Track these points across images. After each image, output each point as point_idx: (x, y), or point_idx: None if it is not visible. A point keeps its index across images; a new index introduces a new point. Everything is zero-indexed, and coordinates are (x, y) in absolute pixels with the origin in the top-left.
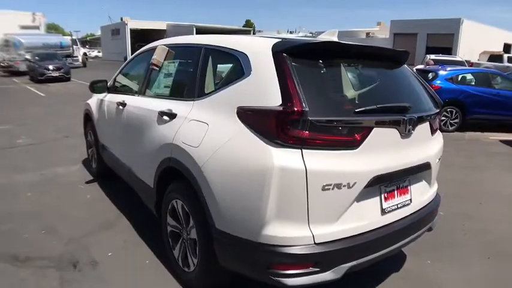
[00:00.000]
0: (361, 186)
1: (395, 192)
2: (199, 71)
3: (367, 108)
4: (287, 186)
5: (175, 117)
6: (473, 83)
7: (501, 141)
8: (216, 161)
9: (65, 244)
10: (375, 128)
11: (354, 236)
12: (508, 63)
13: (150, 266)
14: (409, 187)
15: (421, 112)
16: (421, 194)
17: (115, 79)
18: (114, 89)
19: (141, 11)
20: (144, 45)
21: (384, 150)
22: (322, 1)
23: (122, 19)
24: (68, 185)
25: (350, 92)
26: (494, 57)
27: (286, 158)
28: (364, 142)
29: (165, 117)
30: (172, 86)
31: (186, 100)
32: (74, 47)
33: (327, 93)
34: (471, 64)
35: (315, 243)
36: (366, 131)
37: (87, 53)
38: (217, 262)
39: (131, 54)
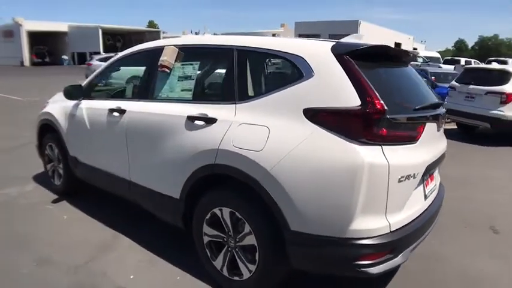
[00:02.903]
0: (420, 176)
1: (429, 179)
2: (236, 74)
3: (423, 105)
4: (373, 181)
5: (215, 122)
6: None
7: None
8: (289, 163)
9: (73, 273)
10: (427, 123)
11: (412, 220)
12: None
13: (184, 282)
14: (434, 174)
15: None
16: (437, 179)
17: (92, 83)
18: (95, 95)
19: (37, 11)
20: (43, 49)
21: (429, 142)
22: (225, 3)
23: (14, 20)
24: (32, 207)
25: (401, 91)
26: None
27: (372, 155)
28: (422, 136)
29: (198, 122)
30: (197, 89)
31: (224, 103)
32: None
33: (388, 92)
34: None
35: (390, 231)
36: (423, 126)
37: None
38: (280, 265)
39: (28, 59)
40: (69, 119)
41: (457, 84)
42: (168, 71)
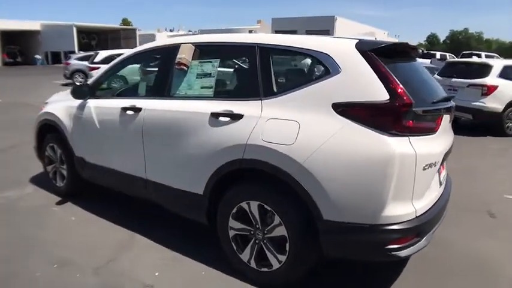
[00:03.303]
0: (439, 164)
1: (441, 167)
2: (260, 70)
3: (439, 98)
4: (403, 170)
5: (241, 118)
6: None
7: None
8: (322, 156)
9: (96, 274)
10: (444, 115)
11: (432, 206)
12: None
13: (209, 276)
14: (444, 162)
15: None
16: (446, 168)
17: (99, 82)
18: (102, 93)
19: (6, 10)
20: (14, 48)
21: (443, 133)
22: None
23: None
24: (36, 210)
25: (418, 85)
26: None
27: (402, 146)
28: (440, 126)
29: (223, 119)
30: (218, 86)
31: (249, 100)
32: None
33: (409, 86)
34: None
35: (416, 216)
36: (441, 117)
37: None
38: (311, 254)
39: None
40: (75, 119)
41: (439, 77)
42: (186, 69)
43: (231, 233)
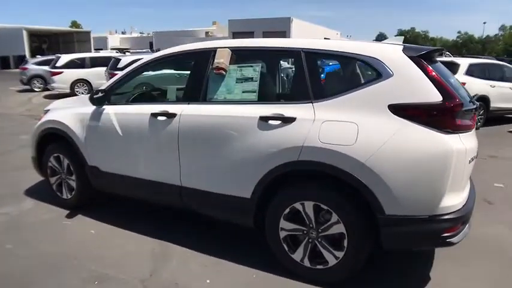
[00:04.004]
0: (474, 158)
1: None
2: (308, 75)
3: (473, 98)
4: (457, 164)
5: (293, 121)
6: None
7: None
8: (384, 154)
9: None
10: (475, 113)
11: (469, 196)
12: None
13: (262, 278)
14: None
15: None
16: None
17: (117, 87)
18: (122, 99)
19: None
20: None
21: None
22: (152, 1)
23: None
24: (47, 225)
25: (454, 85)
26: None
27: (456, 142)
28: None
29: (274, 122)
30: (262, 91)
31: (299, 103)
32: None
33: (452, 87)
34: None
35: (463, 206)
36: (475, 116)
37: None
38: (368, 248)
39: None
40: (89, 126)
41: None
42: (224, 74)
43: (282, 234)
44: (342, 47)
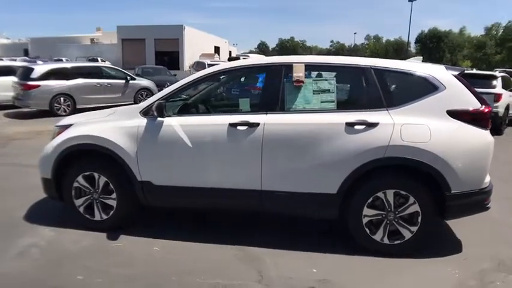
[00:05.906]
0: None
1: None
2: (380, 87)
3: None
4: (491, 151)
5: (377, 125)
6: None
7: None
8: (450, 146)
9: (267, 284)
10: None
11: None
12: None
13: (354, 260)
14: None
15: None
16: None
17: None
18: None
19: None
20: None
21: None
22: (22, 5)
23: None
24: (97, 250)
25: None
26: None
27: (490, 135)
28: None
29: (359, 127)
30: (340, 100)
31: (377, 110)
32: None
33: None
34: None
35: (490, 183)
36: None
37: None
38: (435, 219)
39: None
40: (144, 139)
41: None
42: (302, 86)
43: (365, 220)
44: (404, 66)
